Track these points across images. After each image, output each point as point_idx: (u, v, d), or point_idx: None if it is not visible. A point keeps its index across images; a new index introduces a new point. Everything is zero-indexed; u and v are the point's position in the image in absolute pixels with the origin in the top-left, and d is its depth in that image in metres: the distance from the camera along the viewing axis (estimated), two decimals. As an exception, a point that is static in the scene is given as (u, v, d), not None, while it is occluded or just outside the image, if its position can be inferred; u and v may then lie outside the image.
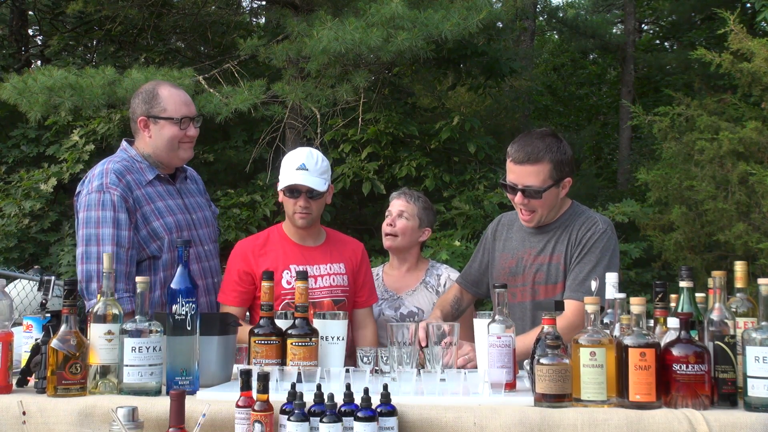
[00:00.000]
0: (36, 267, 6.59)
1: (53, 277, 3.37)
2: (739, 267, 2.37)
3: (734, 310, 2.36)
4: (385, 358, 2.69)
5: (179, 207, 3.31)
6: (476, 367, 2.70)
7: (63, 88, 6.76)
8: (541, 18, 15.65)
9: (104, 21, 10.49)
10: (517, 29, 12.56)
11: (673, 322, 2.28)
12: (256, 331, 2.59)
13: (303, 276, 2.64)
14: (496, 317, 2.50)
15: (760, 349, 2.15)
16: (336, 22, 6.65)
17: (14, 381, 2.50)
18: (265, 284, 2.63)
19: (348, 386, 2.18)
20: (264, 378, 2.13)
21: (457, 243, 7.05)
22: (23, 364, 2.55)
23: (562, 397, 2.20)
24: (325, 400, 2.11)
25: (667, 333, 2.31)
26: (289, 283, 3.18)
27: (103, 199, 3.10)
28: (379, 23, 6.57)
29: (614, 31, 16.92)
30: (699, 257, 7.06)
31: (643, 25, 17.32)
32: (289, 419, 2.10)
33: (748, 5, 10.54)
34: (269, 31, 9.96)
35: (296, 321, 2.59)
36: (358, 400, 2.13)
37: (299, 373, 2.37)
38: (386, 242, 3.87)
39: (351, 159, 8.84)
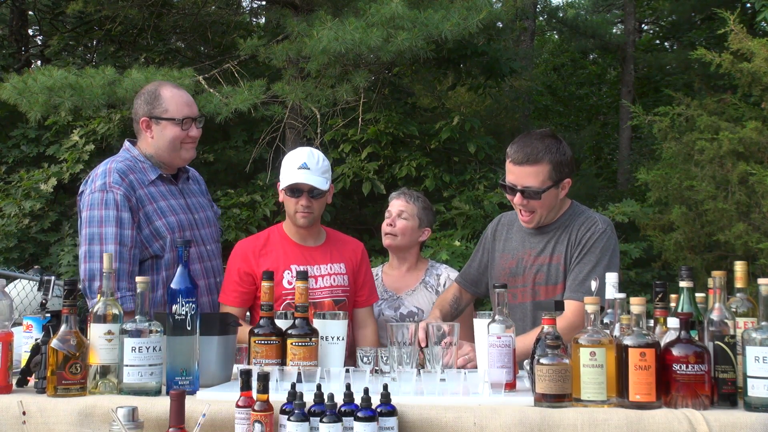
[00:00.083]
0: (36, 267, 6.59)
1: (53, 277, 3.37)
2: (739, 267, 2.37)
3: (734, 310, 2.36)
4: (385, 358, 2.68)
5: (182, 207, 3.32)
6: (476, 367, 2.70)
7: (63, 88, 6.76)
8: (541, 18, 15.64)
9: (104, 21, 10.49)
10: (517, 29, 12.56)
11: (673, 322, 2.28)
12: (256, 331, 2.59)
13: (303, 276, 2.64)
14: (496, 317, 2.50)
15: (760, 349, 2.15)
16: (336, 22, 6.66)
17: (14, 381, 2.50)
18: (265, 284, 2.63)
19: (348, 386, 2.18)
20: (264, 378, 2.13)
21: (457, 243, 7.05)
22: (23, 364, 2.55)
23: (562, 397, 2.21)
24: (325, 400, 2.11)
25: (667, 333, 2.31)
26: (290, 283, 3.18)
27: (106, 198, 3.11)
28: (379, 23, 6.57)
29: (614, 31, 16.91)
30: (699, 257, 7.05)
31: (643, 25, 17.32)
32: (289, 419, 2.11)
33: (748, 5, 10.54)
34: (269, 31, 9.97)
35: (296, 321, 2.59)
36: (358, 400, 2.13)
37: (299, 373, 2.37)
38: (386, 240, 3.87)
39: (351, 159, 8.84)
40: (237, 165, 9.49)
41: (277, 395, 2.21)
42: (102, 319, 2.41)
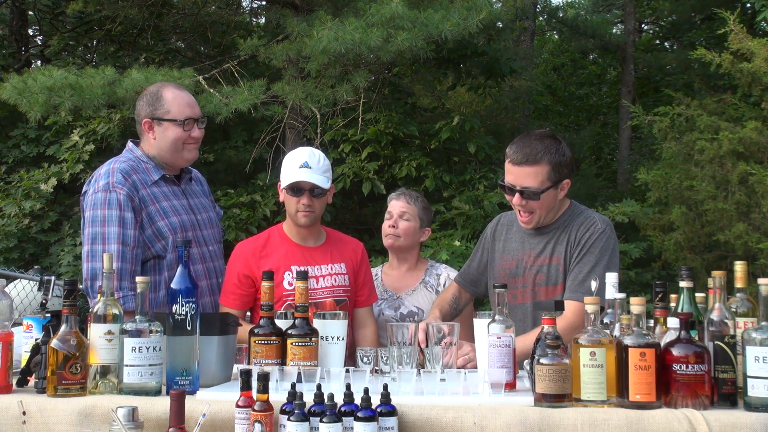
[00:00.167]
0: (36, 267, 6.59)
1: (53, 277, 3.38)
2: (739, 267, 2.37)
3: (734, 310, 2.36)
4: (385, 358, 2.68)
5: (184, 207, 3.33)
6: (476, 367, 2.70)
7: (63, 88, 6.77)
8: (541, 18, 15.63)
9: (104, 21, 10.50)
10: (517, 29, 12.56)
11: (673, 322, 2.28)
12: (256, 331, 2.59)
13: (303, 276, 2.64)
14: (496, 317, 2.50)
15: (760, 349, 2.15)
16: (336, 22, 6.66)
17: (14, 381, 2.50)
18: (265, 284, 2.63)
19: (348, 386, 2.18)
20: (264, 378, 2.13)
21: (457, 243, 7.05)
22: (23, 364, 2.55)
23: (562, 397, 2.21)
24: (325, 400, 2.11)
25: (667, 333, 2.31)
26: (290, 284, 3.18)
27: (109, 197, 3.12)
28: (379, 23, 6.57)
29: (614, 31, 16.92)
30: (699, 257, 7.06)
31: (643, 25, 17.32)
32: (289, 419, 2.11)
33: (748, 5, 10.54)
34: (269, 31, 9.96)
35: (296, 321, 2.59)
36: (358, 400, 2.13)
37: (299, 373, 2.37)
38: (388, 241, 3.87)
39: (351, 159, 8.84)
40: (237, 165, 9.49)
41: (277, 395, 2.21)
42: (102, 319, 2.41)
